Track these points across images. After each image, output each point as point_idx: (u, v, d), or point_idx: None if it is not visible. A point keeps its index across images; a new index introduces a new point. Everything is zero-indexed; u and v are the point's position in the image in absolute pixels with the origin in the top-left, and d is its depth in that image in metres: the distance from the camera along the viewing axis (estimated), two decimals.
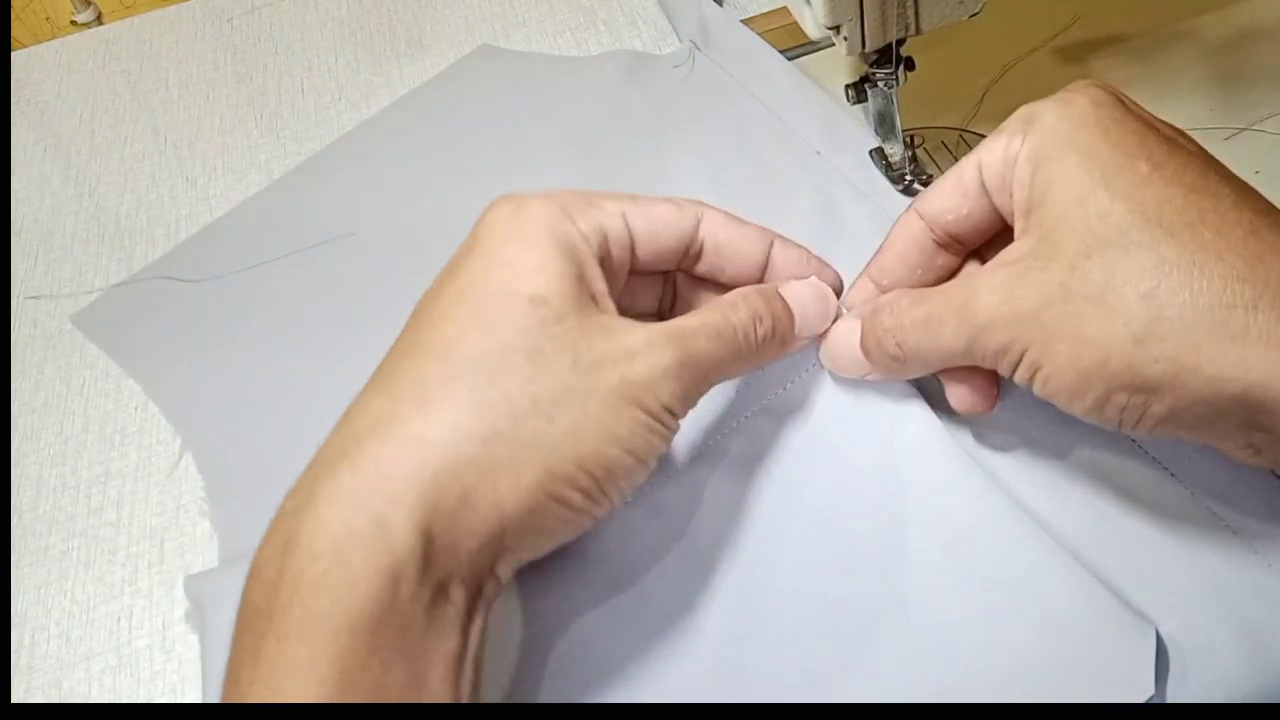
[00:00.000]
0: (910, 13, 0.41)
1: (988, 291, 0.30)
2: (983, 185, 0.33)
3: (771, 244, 0.35)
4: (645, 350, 0.29)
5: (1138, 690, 0.30)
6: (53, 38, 0.67)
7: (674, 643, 0.33)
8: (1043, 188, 0.30)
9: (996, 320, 0.30)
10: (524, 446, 0.27)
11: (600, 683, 0.32)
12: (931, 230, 0.34)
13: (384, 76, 0.59)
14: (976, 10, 0.42)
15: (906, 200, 0.45)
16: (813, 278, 0.36)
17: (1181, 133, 0.31)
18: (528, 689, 0.32)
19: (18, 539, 0.42)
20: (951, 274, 0.35)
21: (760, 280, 0.35)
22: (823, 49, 0.54)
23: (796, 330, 0.34)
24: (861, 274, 0.37)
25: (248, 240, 0.51)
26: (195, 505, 0.42)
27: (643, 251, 0.33)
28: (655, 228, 0.33)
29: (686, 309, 0.36)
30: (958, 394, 0.34)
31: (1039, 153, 0.30)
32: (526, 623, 0.33)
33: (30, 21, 1.62)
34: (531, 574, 0.34)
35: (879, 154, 0.47)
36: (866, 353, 0.34)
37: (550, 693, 0.32)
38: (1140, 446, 0.36)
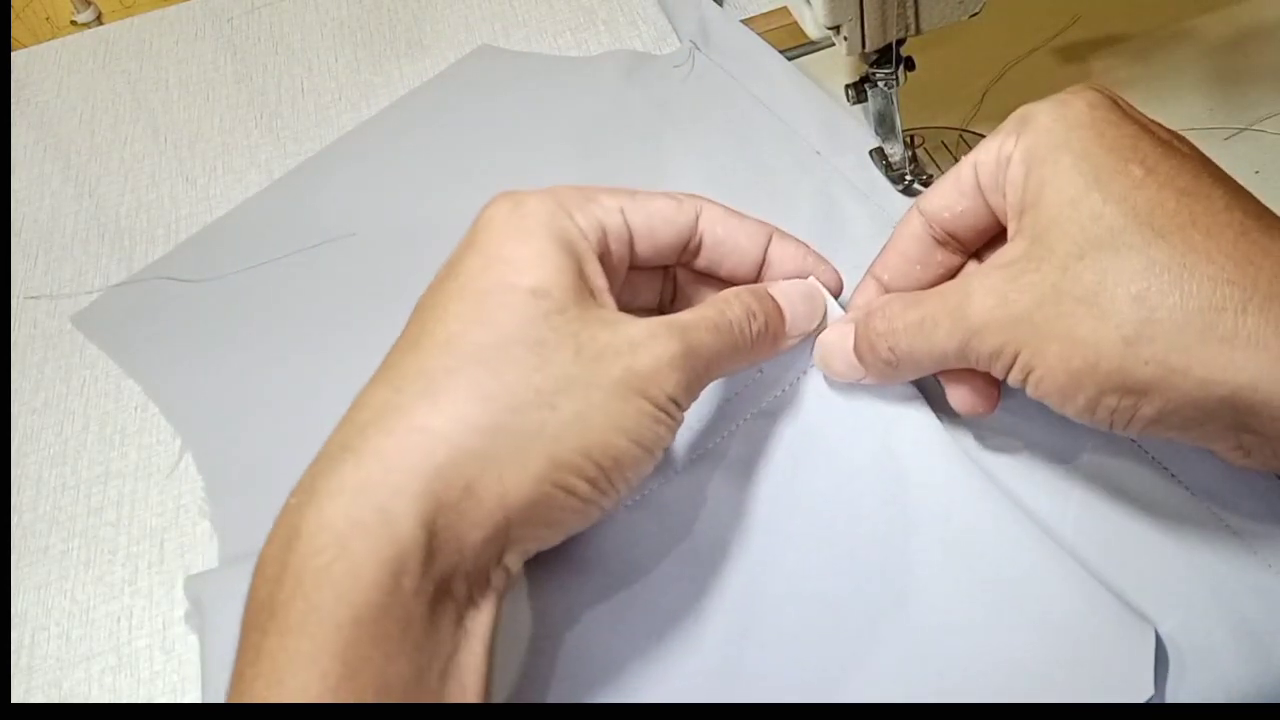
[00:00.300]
0: (910, 13, 0.41)
1: (981, 294, 0.30)
2: (978, 184, 0.33)
3: (770, 239, 0.35)
4: (648, 341, 0.30)
5: (1137, 690, 0.30)
6: (53, 38, 0.67)
7: (675, 643, 0.33)
8: (1036, 189, 0.30)
9: (990, 323, 0.30)
10: (528, 437, 0.28)
11: (602, 683, 0.32)
12: (930, 227, 0.35)
13: (384, 76, 0.59)
14: (976, 10, 0.42)
15: (906, 200, 0.45)
16: (810, 278, 0.36)
17: (1177, 135, 0.31)
18: (530, 689, 0.32)
19: (18, 539, 0.42)
20: (951, 273, 0.36)
21: (758, 275, 0.36)
22: (823, 49, 0.54)
23: (787, 328, 0.35)
24: (867, 273, 0.37)
25: (248, 240, 0.51)
26: (195, 505, 0.42)
27: (641, 246, 0.33)
28: (654, 223, 0.33)
29: (686, 306, 0.36)
30: (959, 395, 0.34)
31: (1033, 154, 0.30)
32: (529, 623, 0.33)
33: (30, 21, 1.62)
34: (532, 574, 0.34)
35: (879, 154, 0.47)
36: (859, 356, 0.34)
37: (552, 693, 0.32)
38: (1140, 447, 0.36)
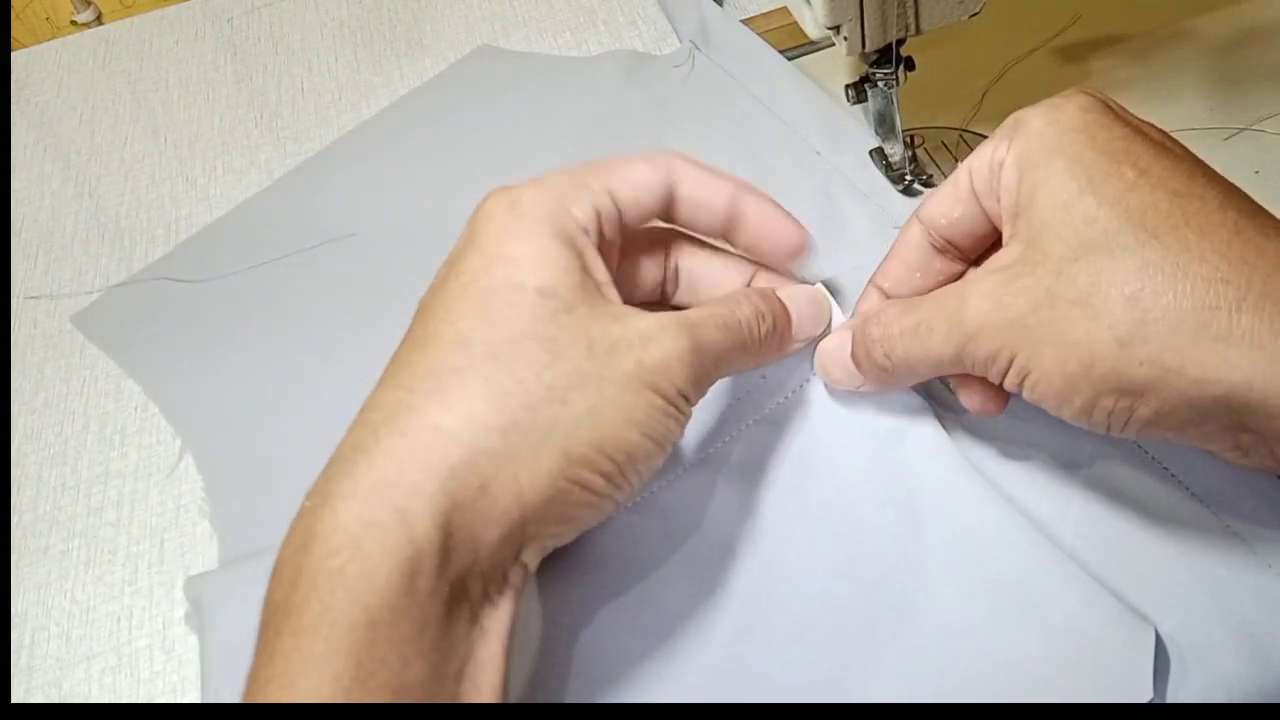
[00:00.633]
0: (910, 13, 0.41)
1: (976, 298, 0.30)
2: (973, 190, 0.33)
3: (739, 192, 0.35)
4: (659, 335, 0.30)
5: (1137, 693, 0.30)
6: (53, 38, 0.67)
7: (678, 644, 0.33)
8: (1029, 193, 0.30)
9: (985, 327, 0.30)
10: (542, 434, 0.28)
11: (606, 682, 0.32)
12: (930, 234, 0.35)
13: (384, 76, 0.59)
14: (976, 10, 0.42)
15: (906, 200, 0.45)
16: (818, 285, 0.36)
17: (1169, 136, 0.31)
18: (536, 690, 0.32)
19: (18, 539, 0.42)
20: (952, 281, 0.35)
21: (729, 228, 0.35)
22: (823, 49, 0.54)
23: (793, 331, 0.35)
24: (869, 282, 0.37)
25: (248, 240, 0.51)
26: (195, 505, 0.42)
27: (629, 218, 0.33)
28: (639, 194, 0.33)
29: (689, 297, 0.36)
30: (970, 395, 0.34)
31: (1025, 158, 0.30)
32: (539, 624, 0.33)
33: (30, 21, 1.62)
34: (536, 576, 0.34)
35: (879, 154, 0.47)
36: (857, 363, 0.34)
37: (556, 693, 0.32)
38: (1141, 448, 0.36)
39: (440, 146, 0.54)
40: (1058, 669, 0.31)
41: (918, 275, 0.35)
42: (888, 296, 0.36)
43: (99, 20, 1.42)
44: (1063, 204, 0.29)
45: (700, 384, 0.31)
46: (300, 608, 0.25)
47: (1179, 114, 0.48)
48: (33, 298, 0.51)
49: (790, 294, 0.36)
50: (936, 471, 0.35)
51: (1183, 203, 0.28)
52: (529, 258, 0.30)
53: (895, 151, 0.46)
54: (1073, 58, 0.52)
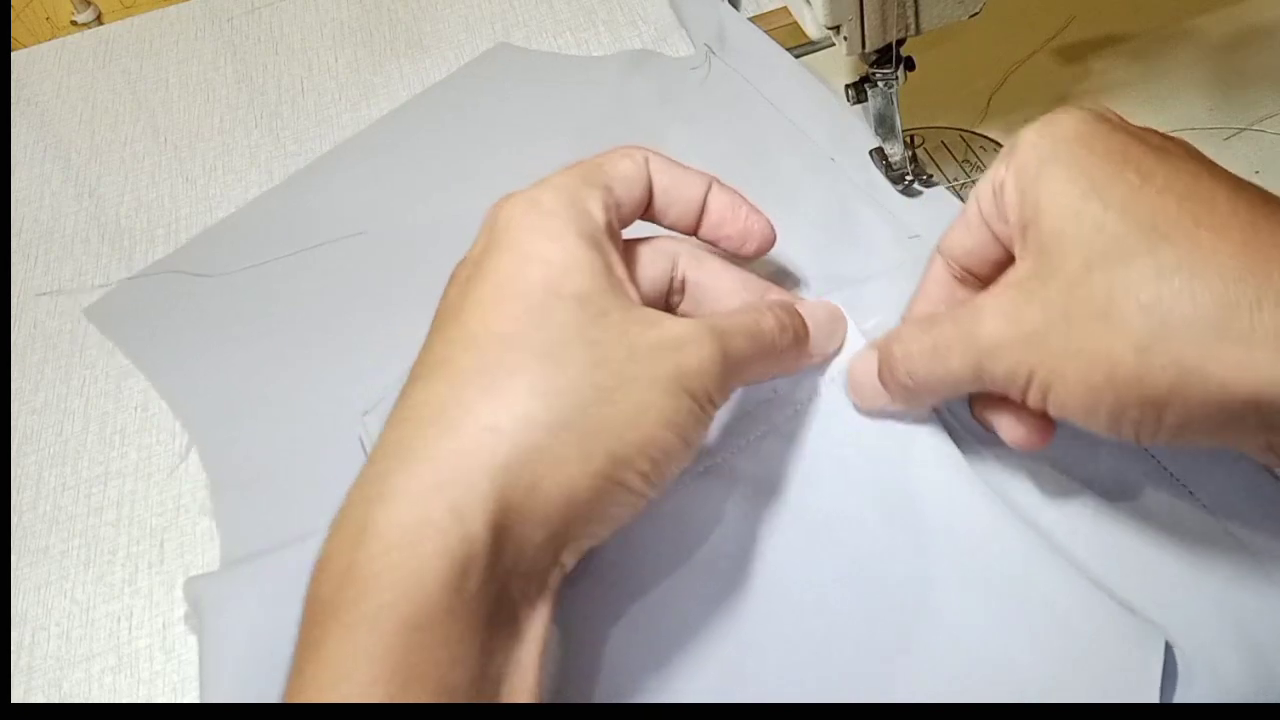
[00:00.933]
0: (910, 13, 0.41)
1: (991, 315, 0.30)
2: (982, 217, 0.33)
3: (709, 187, 0.36)
4: (694, 341, 0.30)
5: (1144, 698, 0.30)
6: (53, 38, 0.67)
7: (681, 653, 0.33)
8: (1032, 205, 0.30)
9: (1001, 343, 0.29)
10: (590, 434, 0.28)
11: (608, 694, 0.32)
12: (950, 266, 0.35)
13: (384, 76, 0.59)
14: (976, 10, 0.42)
15: (919, 206, 0.45)
16: (828, 300, 0.37)
17: (1170, 139, 0.30)
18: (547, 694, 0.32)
19: (18, 539, 0.42)
20: None
21: (698, 222, 0.36)
22: (823, 49, 0.54)
23: (811, 346, 0.36)
24: (902, 320, 0.37)
25: (259, 237, 0.51)
26: (196, 505, 0.41)
27: (624, 213, 0.34)
28: (632, 190, 0.34)
29: (693, 306, 0.37)
30: (1008, 427, 0.33)
31: (1024, 171, 0.30)
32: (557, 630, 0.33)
33: (30, 21, 1.62)
34: None
35: (879, 154, 0.47)
36: (883, 383, 0.34)
37: (562, 697, 0.32)
38: (1151, 456, 0.35)
39: (451, 145, 0.54)
40: (1065, 678, 0.31)
41: (942, 309, 0.35)
42: None
43: (99, 20, 1.42)
44: (1068, 211, 0.29)
45: (725, 389, 0.31)
46: (351, 603, 0.25)
47: (1179, 114, 0.48)
48: (42, 294, 0.51)
49: (809, 309, 0.36)
50: (943, 483, 0.35)
51: (1191, 205, 0.28)
52: (560, 261, 0.30)
53: (895, 151, 0.46)
54: (1072, 58, 0.52)
